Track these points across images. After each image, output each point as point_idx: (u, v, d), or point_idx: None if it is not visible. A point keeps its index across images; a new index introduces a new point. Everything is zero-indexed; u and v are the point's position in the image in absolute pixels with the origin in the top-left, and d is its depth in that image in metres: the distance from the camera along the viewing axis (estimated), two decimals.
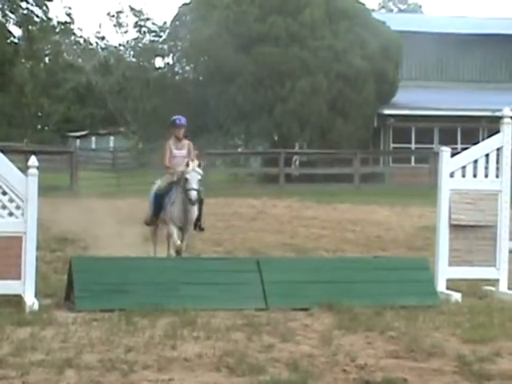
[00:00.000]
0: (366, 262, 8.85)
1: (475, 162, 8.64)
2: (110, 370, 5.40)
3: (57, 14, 72.56)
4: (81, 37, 54.63)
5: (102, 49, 54.01)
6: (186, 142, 9.55)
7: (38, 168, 7.51)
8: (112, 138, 44.16)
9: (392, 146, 30.23)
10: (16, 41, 29.47)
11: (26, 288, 7.32)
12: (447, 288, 8.35)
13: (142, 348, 5.96)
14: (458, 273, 8.45)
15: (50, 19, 30.51)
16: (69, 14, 44.58)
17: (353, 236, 13.65)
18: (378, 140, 30.56)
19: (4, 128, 38.20)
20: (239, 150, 31.18)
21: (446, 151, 8.61)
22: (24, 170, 7.69)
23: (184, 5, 31.95)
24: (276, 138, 29.96)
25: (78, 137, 46.57)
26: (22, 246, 7.37)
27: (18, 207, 7.43)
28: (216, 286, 7.59)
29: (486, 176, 8.67)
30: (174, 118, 9.63)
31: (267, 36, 28.60)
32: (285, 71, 28.21)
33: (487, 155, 8.66)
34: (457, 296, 8.13)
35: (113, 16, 53.47)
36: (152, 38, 37.36)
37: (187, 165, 9.08)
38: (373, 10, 37.66)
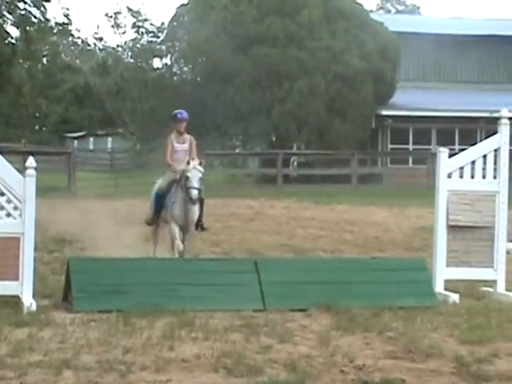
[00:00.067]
0: (364, 262, 8.85)
1: (473, 162, 8.64)
2: (107, 371, 5.40)
3: (55, 14, 72.63)
4: (79, 38, 54.69)
5: (100, 50, 54.03)
6: (187, 136, 9.45)
7: (35, 169, 7.50)
8: (110, 138, 44.15)
9: (390, 146, 30.25)
10: (14, 41, 29.45)
11: (23, 289, 7.32)
12: (445, 289, 8.36)
13: (139, 349, 5.96)
14: (455, 274, 8.46)
15: (47, 20, 30.52)
16: (66, 15, 44.74)
17: (351, 237, 13.65)
18: (376, 141, 30.58)
19: (2, 129, 38.18)
20: (237, 150, 31.19)
21: (443, 152, 8.62)
22: (22, 170, 7.68)
23: (182, 5, 31.96)
24: (274, 139, 29.97)
25: (75, 137, 46.55)
26: (19, 246, 7.36)
27: (15, 208, 7.42)
28: (214, 287, 7.59)
29: (484, 177, 8.68)
30: (176, 111, 9.52)
31: (265, 37, 28.62)
32: (283, 72, 28.22)
33: (485, 156, 8.66)
34: (455, 297, 8.13)
35: (111, 17, 53.52)
36: (150, 39, 37.39)
37: (188, 163, 8.98)
38: (371, 11, 37.69)
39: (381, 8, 60.89)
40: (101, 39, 54.89)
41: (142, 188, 21.26)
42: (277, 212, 17.87)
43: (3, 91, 29.66)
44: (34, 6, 29.14)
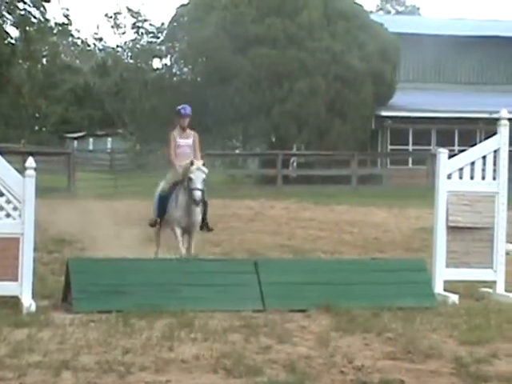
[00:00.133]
0: (364, 263, 8.85)
1: (472, 163, 8.64)
2: (107, 372, 5.40)
3: (54, 15, 72.63)
4: (78, 38, 54.67)
5: (100, 50, 54.02)
6: (191, 132, 9.37)
7: (35, 169, 7.50)
8: (110, 139, 44.15)
9: (389, 147, 30.27)
10: (13, 42, 29.43)
11: (23, 289, 7.31)
12: (444, 290, 8.36)
13: (139, 349, 5.96)
14: (455, 274, 8.45)
15: (47, 20, 30.50)
16: (66, 15, 44.70)
17: (350, 237, 13.65)
18: (376, 142, 30.59)
19: (1, 129, 38.17)
20: (237, 151, 31.20)
21: (443, 153, 8.62)
22: (21, 171, 7.68)
23: (182, 6, 31.97)
24: (274, 140, 29.99)
25: (75, 138, 46.56)
26: (19, 247, 7.35)
27: (15, 208, 7.42)
28: (213, 288, 7.58)
29: (483, 178, 8.67)
30: (179, 107, 9.44)
31: (265, 37, 28.63)
32: (282, 72, 28.23)
33: (484, 157, 8.66)
34: (454, 298, 8.13)
35: (110, 17, 53.51)
36: (150, 39, 37.43)
37: (191, 163, 8.83)
38: (370, 12, 37.71)
39: (381, 9, 60.95)
40: (101, 39, 54.90)
41: (141, 188, 21.30)
42: (276, 213, 17.87)
43: (3, 91, 29.66)
44: (34, 6, 29.13)
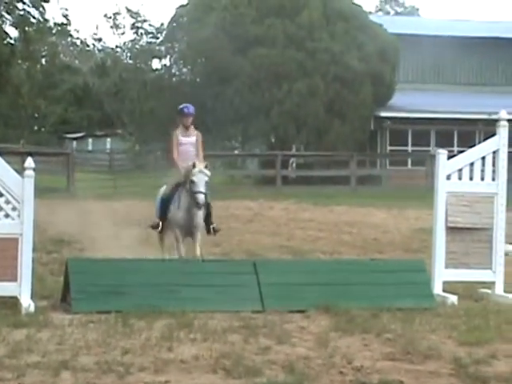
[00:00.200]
0: (363, 264, 8.85)
1: (472, 164, 8.65)
2: (106, 372, 5.40)
3: (53, 15, 72.62)
4: (77, 38, 54.69)
5: (99, 50, 54.04)
6: (194, 131, 9.31)
7: (34, 169, 7.50)
8: (109, 139, 44.14)
9: (389, 148, 30.27)
10: (12, 42, 29.43)
11: (22, 290, 7.31)
12: (443, 290, 8.36)
13: (138, 350, 5.96)
14: (454, 275, 8.46)
15: (46, 20, 30.48)
16: (65, 16, 44.70)
17: (349, 238, 13.66)
18: (375, 142, 30.60)
19: (0, 129, 38.14)
20: (236, 151, 31.19)
21: (442, 154, 8.62)
22: (20, 171, 7.68)
23: (181, 6, 31.96)
24: (273, 140, 29.99)
25: (74, 138, 46.55)
26: (18, 247, 7.35)
27: (14, 209, 7.41)
28: (212, 288, 7.58)
29: (483, 179, 8.68)
30: (182, 106, 9.39)
31: (264, 38, 28.63)
32: (282, 73, 28.23)
33: (483, 158, 8.67)
34: (453, 298, 8.13)
35: (110, 17, 53.57)
36: (149, 40, 37.39)
37: (194, 166, 8.74)
38: (370, 13, 37.73)
39: (380, 10, 60.98)
40: (100, 40, 54.94)
41: (140, 189, 21.31)
42: (276, 213, 17.88)
43: (2, 92, 29.65)
44: (33, 6, 29.12)
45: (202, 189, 8.69)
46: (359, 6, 31.15)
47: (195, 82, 30.58)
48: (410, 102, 29.96)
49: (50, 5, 36.34)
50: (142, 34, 39.85)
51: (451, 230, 8.46)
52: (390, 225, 15.84)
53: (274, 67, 28.17)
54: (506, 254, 8.76)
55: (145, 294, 7.37)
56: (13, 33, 29.74)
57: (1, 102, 32.11)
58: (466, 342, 6.44)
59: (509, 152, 8.84)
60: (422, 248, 11.59)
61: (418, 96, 30.59)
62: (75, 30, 67.62)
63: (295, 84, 28.16)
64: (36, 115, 44.22)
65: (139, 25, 41.61)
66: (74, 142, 46.55)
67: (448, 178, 8.57)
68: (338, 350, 6.14)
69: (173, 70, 32.13)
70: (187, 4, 31.75)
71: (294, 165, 29.69)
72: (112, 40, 55.74)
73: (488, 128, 22.14)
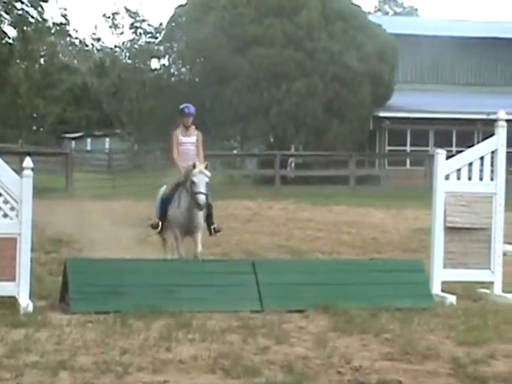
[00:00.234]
0: (362, 264, 8.86)
1: (470, 164, 8.65)
2: (104, 372, 5.40)
3: (52, 14, 72.60)
4: (76, 38, 54.64)
5: (98, 50, 54.01)
6: (195, 130, 9.28)
7: (32, 169, 7.49)
8: (107, 139, 44.12)
9: (387, 148, 30.28)
10: (11, 41, 29.40)
11: (20, 290, 7.31)
12: (442, 290, 8.36)
13: (136, 350, 5.95)
14: (452, 275, 8.46)
15: (45, 20, 30.45)
16: (64, 15, 44.59)
17: (348, 238, 13.66)
18: (374, 142, 30.60)
19: None
20: (235, 151, 31.19)
21: (441, 154, 8.63)
22: (19, 171, 7.67)
23: (180, 6, 31.95)
24: (272, 140, 29.99)
25: (73, 138, 46.52)
26: (16, 247, 7.35)
27: (12, 208, 7.41)
28: (211, 288, 7.58)
29: (481, 179, 8.68)
30: (183, 106, 9.36)
31: (263, 38, 28.62)
32: (280, 73, 28.23)
33: (482, 158, 8.67)
34: (451, 298, 8.14)
35: (108, 17, 53.49)
36: (148, 40, 37.37)
37: (194, 166, 8.71)
38: (368, 13, 37.74)
39: (379, 10, 60.98)
40: (98, 40, 54.89)
41: (139, 189, 21.29)
42: (274, 213, 17.88)
43: (0, 91, 29.63)
44: (32, 6, 29.09)
45: (203, 189, 8.67)
46: (358, 6, 31.15)
47: (194, 81, 30.57)
48: (409, 102, 29.97)
49: (48, 4, 36.28)
50: (140, 33, 39.83)
51: (450, 229, 8.47)
52: (389, 225, 15.84)
53: (272, 67, 28.17)
54: (505, 254, 8.76)
55: (143, 294, 7.37)
56: (11, 32, 29.73)
57: None
58: (464, 342, 6.44)
59: (507, 152, 8.85)
60: (421, 248, 11.60)
61: (417, 96, 30.60)
62: (74, 29, 67.53)
63: (294, 84, 28.16)
64: (34, 115, 44.20)
65: (138, 25, 41.58)
66: (73, 142, 46.53)
67: (446, 178, 8.58)
68: (336, 349, 6.14)
69: (172, 70, 32.11)
70: (186, 4, 31.74)
71: (293, 165, 29.69)
72: (111, 40, 55.82)
73: (486, 128, 22.14)
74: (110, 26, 53.28)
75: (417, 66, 33.44)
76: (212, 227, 9.16)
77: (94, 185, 25.56)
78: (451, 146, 28.27)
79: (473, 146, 9.28)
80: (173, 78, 31.82)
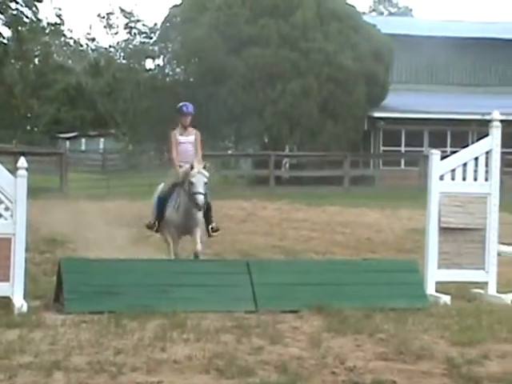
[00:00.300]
0: (356, 264, 8.86)
1: (465, 165, 8.66)
2: (98, 372, 5.39)
3: (47, 14, 72.43)
4: (71, 38, 54.52)
5: (93, 50, 53.92)
6: (193, 130, 9.26)
7: (27, 169, 7.48)
8: (102, 139, 44.07)
9: (382, 148, 30.31)
10: (5, 41, 29.36)
11: (14, 290, 7.29)
12: (436, 290, 8.37)
13: (131, 350, 5.95)
14: (447, 275, 8.47)
15: (39, 20, 30.41)
16: (59, 15, 44.55)
17: (342, 238, 13.67)
18: (368, 143, 30.64)
19: None
20: (229, 151, 31.19)
21: (435, 154, 8.64)
22: (13, 171, 7.66)
23: (175, 6, 31.93)
24: (266, 140, 29.99)
25: (67, 138, 46.44)
26: (10, 247, 7.33)
27: (6, 209, 7.40)
28: (206, 288, 7.57)
29: (476, 179, 8.70)
30: (181, 104, 9.30)
31: (258, 38, 28.63)
32: (275, 73, 28.24)
33: (476, 158, 8.68)
34: (446, 298, 8.15)
35: (103, 17, 53.44)
36: (142, 40, 37.35)
37: (192, 167, 8.68)
38: (363, 13, 37.77)
39: (373, 10, 61.05)
40: (93, 40, 54.81)
41: (133, 189, 21.28)
42: (269, 213, 17.89)
43: None
44: (26, 6, 29.05)
45: (201, 190, 8.65)
46: (353, 6, 31.20)
47: (189, 81, 30.55)
48: (404, 102, 30.02)
49: (43, 4, 36.30)
50: (135, 33, 39.81)
51: (444, 230, 8.48)
52: (383, 225, 15.86)
53: (267, 67, 28.17)
54: (499, 255, 8.78)
55: (138, 294, 7.36)
56: (6, 32, 29.68)
57: None
58: (458, 342, 6.45)
59: (501, 152, 8.86)
60: (415, 248, 11.61)
61: (412, 96, 30.64)
62: (68, 29, 67.48)
63: (289, 84, 28.17)
64: (29, 115, 44.12)
65: (133, 25, 41.57)
66: (67, 142, 46.45)
67: (441, 178, 8.59)
68: (330, 350, 6.14)
69: (166, 70, 32.10)
70: (181, 4, 31.72)
71: (288, 165, 29.70)
72: (105, 40, 55.66)
73: (481, 128, 22.18)
74: (105, 26, 53.26)
75: (411, 67, 33.49)
76: (210, 226, 9.15)
77: (89, 185, 25.54)
78: (446, 146, 28.32)
79: (467, 146, 9.30)
80: (167, 78, 31.81)
